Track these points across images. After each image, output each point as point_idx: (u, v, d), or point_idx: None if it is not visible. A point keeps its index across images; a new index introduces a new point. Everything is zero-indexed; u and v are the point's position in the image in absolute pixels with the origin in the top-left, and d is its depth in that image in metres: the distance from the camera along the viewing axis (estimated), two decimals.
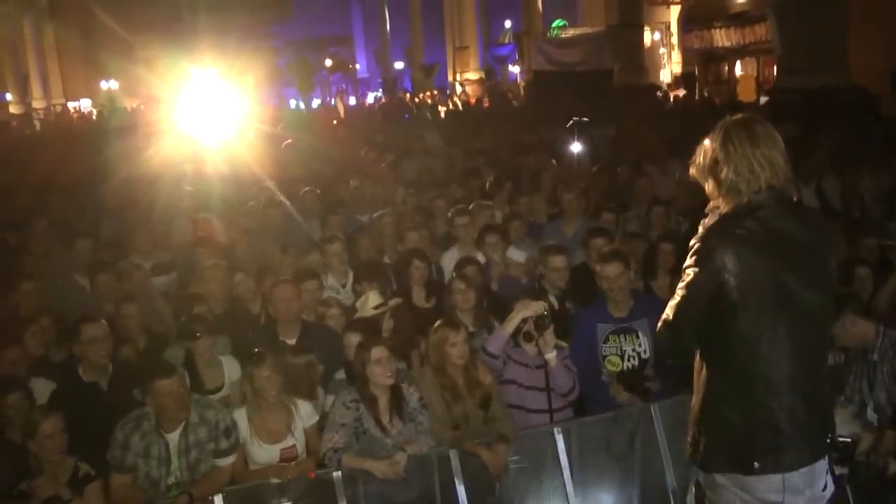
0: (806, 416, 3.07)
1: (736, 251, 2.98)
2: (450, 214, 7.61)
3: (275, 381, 4.96)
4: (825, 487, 3.18)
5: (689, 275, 3.07)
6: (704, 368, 3.20)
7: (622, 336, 5.42)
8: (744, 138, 3.05)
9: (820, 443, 3.14)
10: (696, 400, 3.24)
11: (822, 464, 3.15)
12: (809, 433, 3.09)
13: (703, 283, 3.02)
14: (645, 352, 5.40)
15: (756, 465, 3.05)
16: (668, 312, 3.14)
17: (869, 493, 4.63)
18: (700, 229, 3.20)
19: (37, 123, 33.07)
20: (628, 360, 5.40)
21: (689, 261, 3.09)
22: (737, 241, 3.00)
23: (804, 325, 3.07)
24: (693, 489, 3.80)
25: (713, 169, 3.11)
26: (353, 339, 5.28)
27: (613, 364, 5.41)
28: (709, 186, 3.17)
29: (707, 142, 3.15)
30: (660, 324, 3.20)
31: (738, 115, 3.19)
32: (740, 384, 3.08)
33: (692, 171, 3.24)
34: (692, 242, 3.11)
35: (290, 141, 12.87)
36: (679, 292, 3.10)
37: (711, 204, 3.21)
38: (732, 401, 3.10)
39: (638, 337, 5.40)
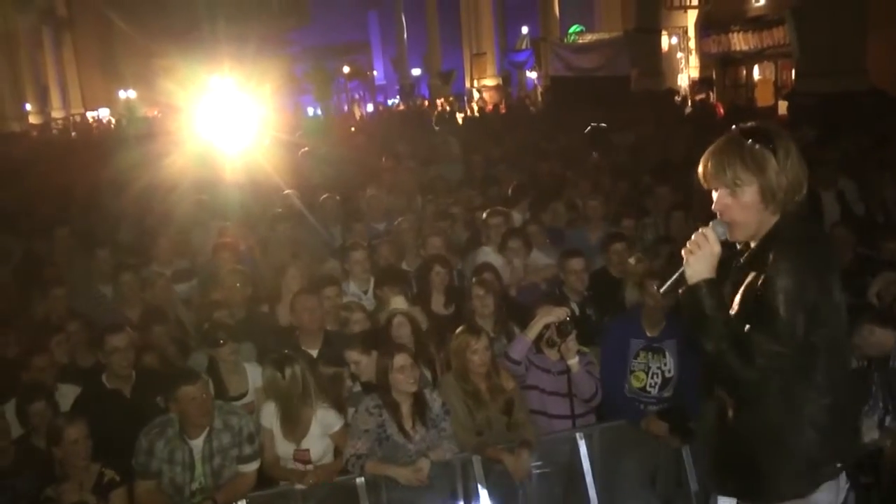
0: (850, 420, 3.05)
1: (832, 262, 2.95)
2: (484, 216, 7.57)
3: (296, 383, 4.96)
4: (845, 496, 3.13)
5: (806, 307, 2.80)
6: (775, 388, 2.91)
7: (651, 354, 5.40)
8: (790, 147, 2.90)
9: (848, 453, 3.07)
10: (737, 424, 2.99)
11: (843, 476, 3.06)
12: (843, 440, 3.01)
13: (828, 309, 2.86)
14: (669, 371, 5.37)
15: (819, 479, 2.93)
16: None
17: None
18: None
19: (56, 133, 33.37)
20: (652, 377, 5.38)
21: (795, 298, 2.79)
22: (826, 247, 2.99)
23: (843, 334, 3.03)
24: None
25: (768, 173, 2.87)
26: (353, 356, 5.32)
27: (639, 380, 5.39)
28: (751, 189, 2.90)
29: (752, 144, 2.90)
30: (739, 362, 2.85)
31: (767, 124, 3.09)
32: (797, 402, 2.89)
33: (736, 172, 2.91)
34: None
35: (306, 149, 12.89)
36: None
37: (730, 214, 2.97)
38: (790, 420, 2.90)
39: (665, 356, 5.39)
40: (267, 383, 5.11)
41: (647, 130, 14.78)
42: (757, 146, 2.90)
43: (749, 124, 3.03)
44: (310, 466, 4.98)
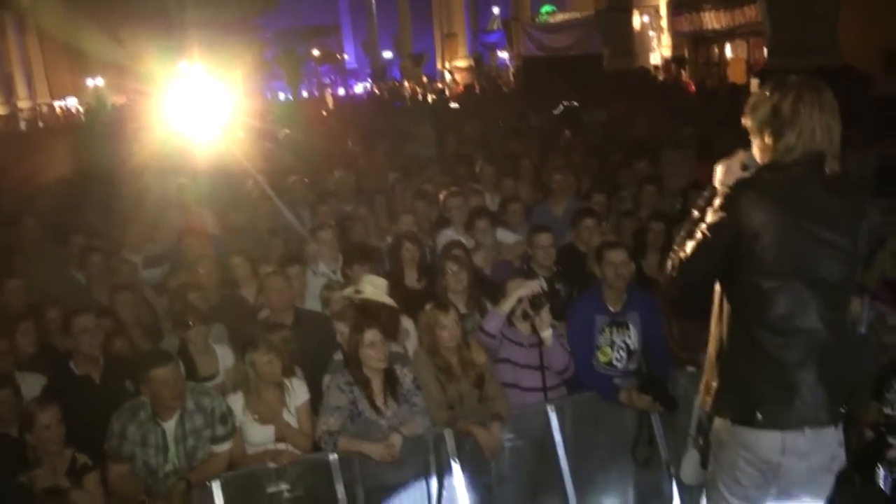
0: (817, 377, 3.07)
1: (760, 203, 3.02)
2: (442, 197, 7.61)
3: (276, 364, 5.01)
4: (834, 459, 3.18)
5: (713, 217, 3.10)
6: (721, 314, 3.23)
7: (615, 328, 5.43)
8: (815, 101, 3.07)
9: (831, 410, 3.11)
10: (711, 346, 3.28)
11: (832, 432, 3.14)
12: (820, 396, 3.08)
13: (724, 227, 3.06)
14: (634, 344, 5.41)
15: (759, 416, 3.07)
16: (687, 249, 3.16)
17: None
18: (694, 210, 3.26)
19: (23, 124, 32.90)
20: (617, 351, 5.42)
21: (715, 203, 3.12)
22: (763, 193, 3.04)
23: (821, 288, 3.07)
24: (692, 447, 3.81)
25: (774, 124, 3.10)
26: (343, 328, 5.34)
27: (605, 355, 5.42)
28: (761, 142, 3.17)
29: (772, 95, 3.13)
30: (672, 258, 3.24)
31: (807, 77, 3.18)
32: (751, 333, 3.11)
33: (746, 119, 3.22)
34: (721, 189, 3.14)
35: (287, 131, 12.79)
36: (699, 233, 3.12)
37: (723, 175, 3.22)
38: (743, 348, 3.13)
39: (629, 329, 5.41)
40: (238, 380, 5.15)
41: (619, 109, 14.83)
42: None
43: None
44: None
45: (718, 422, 3.27)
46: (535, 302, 5.17)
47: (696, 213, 3.26)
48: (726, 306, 3.21)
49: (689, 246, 3.15)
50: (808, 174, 3.07)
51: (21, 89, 39.82)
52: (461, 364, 5.11)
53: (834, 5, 15.20)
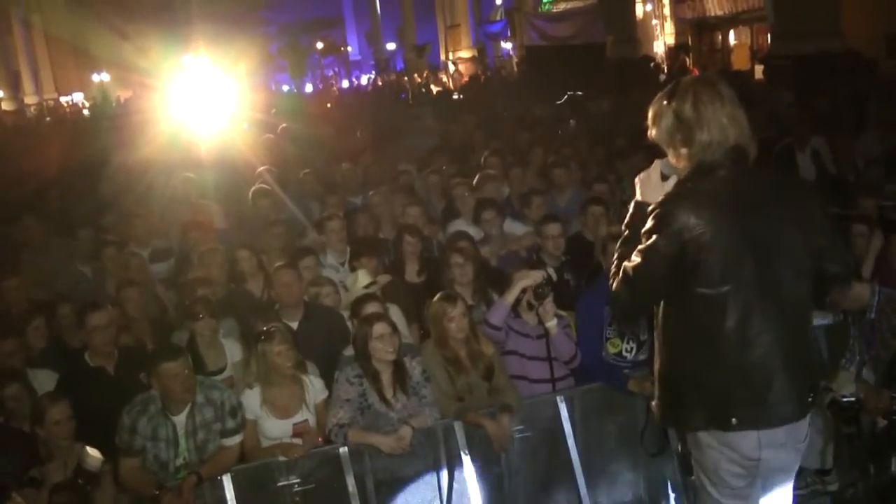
0: (784, 375, 3.03)
1: (696, 212, 2.95)
2: (452, 186, 7.58)
3: (288, 356, 5.00)
4: (805, 437, 3.21)
5: (649, 239, 3.02)
6: (669, 328, 3.16)
7: None
8: (713, 97, 3.02)
9: (801, 403, 3.11)
10: (662, 360, 3.21)
11: (804, 421, 3.16)
12: (789, 393, 3.05)
13: (663, 247, 2.98)
14: (643, 334, 5.39)
15: (734, 420, 3.03)
16: (628, 272, 3.08)
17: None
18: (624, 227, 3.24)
19: (30, 119, 32.93)
20: (627, 342, 5.40)
21: (648, 224, 3.03)
22: (696, 202, 2.97)
23: (774, 284, 3.03)
24: (677, 454, 3.81)
25: (683, 131, 3.05)
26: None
27: (615, 346, 5.41)
28: (674, 151, 3.12)
29: (667, 104, 3.10)
30: (616, 281, 3.15)
31: (696, 75, 3.20)
32: (709, 341, 3.04)
33: (653, 135, 3.18)
34: (650, 208, 3.07)
35: (285, 125, 12.78)
36: (637, 256, 3.04)
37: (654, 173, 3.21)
38: (703, 358, 3.07)
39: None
40: (252, 373, 5.13)
41: (623, 97, 14.78)
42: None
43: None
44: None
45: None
46: (538, 292, 5.14)
47: (625, 230, 3.22)
48: (676, 320, 3.13)
49: (631, 266, 3.06)
50: (736, 174, 3.02)
51: (28, 85, 39.97)
52: (470, 356, 5.11)
53: None
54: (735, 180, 3.01)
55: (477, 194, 7.51)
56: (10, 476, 4.72)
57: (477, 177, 7.97)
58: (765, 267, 3.01)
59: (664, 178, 3.18)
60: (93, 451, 4.58)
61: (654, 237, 2.99)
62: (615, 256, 3.21)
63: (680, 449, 3.56)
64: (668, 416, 3.26)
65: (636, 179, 3.26)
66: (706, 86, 3.09)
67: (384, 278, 6.01)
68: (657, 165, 3.22)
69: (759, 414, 3.04)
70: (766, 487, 3.20)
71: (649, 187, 3.19)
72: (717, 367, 3.05)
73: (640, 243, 3.05)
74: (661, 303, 3.17)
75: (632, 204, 3.24)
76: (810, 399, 3.15)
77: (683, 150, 3.08)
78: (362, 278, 5.82)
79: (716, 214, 2.95)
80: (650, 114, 3.18)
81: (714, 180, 3.01)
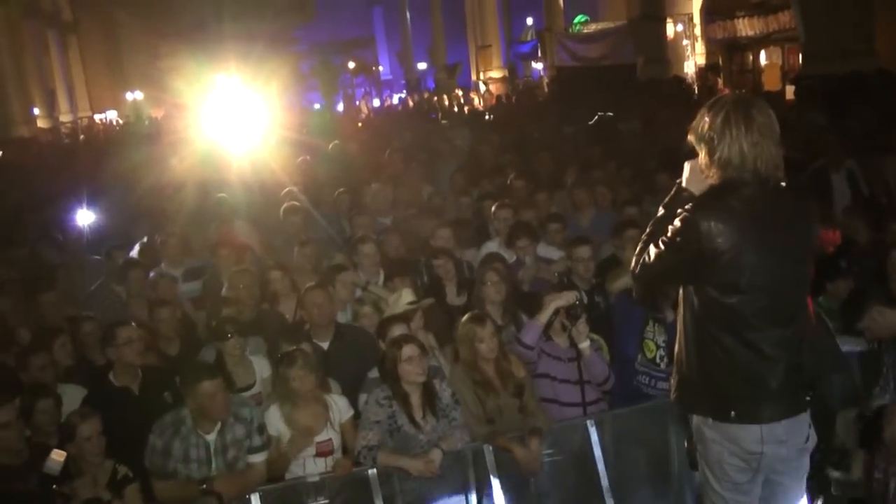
0: (786, 376, 3.26)
1: (718, 227, 3.14)
2: (493, 209, 7.54)
3: (307, 380, 4.99)
4: (808, 440, 3.38)
5: (671, 235, 3.24)
6: (685, 323, 3.40)
7: (656, 325, 5.39)
8: (741, 122, 3.17)
9: (799, 401, 3.34)
10: (679, 349, 3.45)
11: (804, 416, 3.36)
12: (789, 391, 3.29)
13: (681, 247, 3.22)
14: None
15: (733, 413, 3.27)
16: (647, 255, 3.32)
17: None
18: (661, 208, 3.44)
19: (64, 137, 33.40)
20: (660, 350, 5.38)
21: (675, 223, 3.24)
22: (720, 216, 3.16)
23: (783, 295, 3.26)
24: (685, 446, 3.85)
25: (709, 142, 3.24)
26: None
27: (650, 349, 5.41)
28: (702, 155, 3.30)
29: (708, 113, 3.26)
30: (637, 259, 3.39)
31: (739, 94, 3.35)
32: (717, 339, 3.27)
33: (690, 136, 3.35)
34: (683, 209, 3.26)
35: (306, 157, 12.46)
36: (658, 247, 3.27)
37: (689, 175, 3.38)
38: (712, 356, 3.30)
39: (670, 329, 5.36)
40: (275, 394, 5.16)
41: (654, 118, 14.72)
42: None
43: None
44: (336, 456, 5.03)
45: (698, 419, 3.42)
46: (572, 312, 5.14)
47: (661, 210, 3.41)
48: (692, 318, 3.35)
49: (652, 253, 3.30)
50: (760, 194, 3.20)
51: (63, 103, 40.51)
52: (500, 376, 5.08)
53: (869, 10, 15.01)
54: (758, 200, 3.19)
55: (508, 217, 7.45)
56: (39, 495, 4.75)
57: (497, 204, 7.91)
58: (777, 281, 3.22)
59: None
60: (55, 454, 4.55)
61: (677, 239, 3.22)
62: (646, 232, 3.44)
63: (686, 444, 3.68)
64: (680, 396, 3.50)
65: (686, 163, 3.39)
66: (740, 107, 3.23)
67: (427, 301, 5.96)
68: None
69: (755, 409, 3.26)
70: (768, 486, 3.38)
71: (696, 176, 3.35)
72: (723, 365, 3.28)
73: (667, 234, 3.26)
74: (681, 302, 3.41)
75: (675, 186, 3.43)
76: (808, 398, 3.38)
77: (706, 159, 3.28)
78: (406, 296, 5.75)
79: (735, 230, 3.15)
80: (696, 118, 3.34)
81: (740, 198, 3.19)
